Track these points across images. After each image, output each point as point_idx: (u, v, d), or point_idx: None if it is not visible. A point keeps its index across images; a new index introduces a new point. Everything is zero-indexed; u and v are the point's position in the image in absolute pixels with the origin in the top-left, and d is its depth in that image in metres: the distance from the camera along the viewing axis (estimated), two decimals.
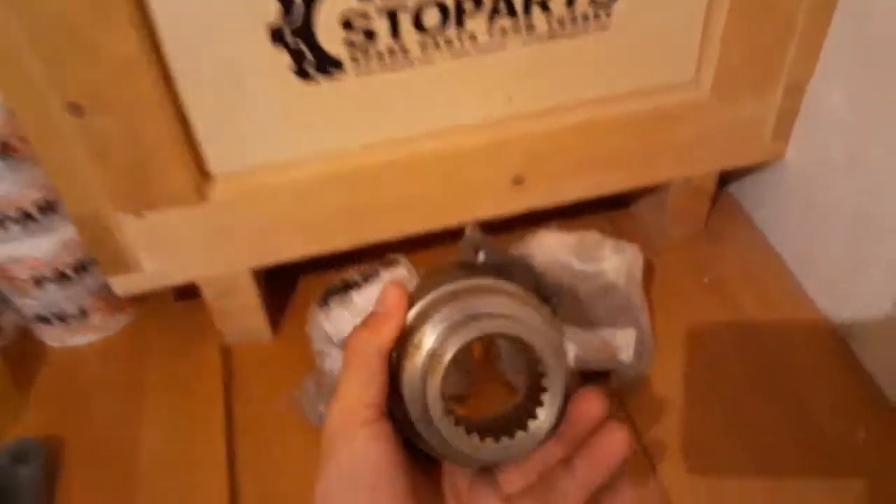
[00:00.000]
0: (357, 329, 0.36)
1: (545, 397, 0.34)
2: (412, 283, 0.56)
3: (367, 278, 0.58)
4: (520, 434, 0.34)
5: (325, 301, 0.57)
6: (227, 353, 0.70)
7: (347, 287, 0.58)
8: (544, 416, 0.34)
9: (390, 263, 0.59)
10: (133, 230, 0.57)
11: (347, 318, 0.56)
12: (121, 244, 0.58)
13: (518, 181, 0.63)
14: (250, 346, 0.70)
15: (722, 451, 0.60)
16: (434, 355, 0.33)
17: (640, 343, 0.60)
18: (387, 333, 0.35)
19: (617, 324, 0.58)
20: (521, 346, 0.34)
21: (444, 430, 0.33)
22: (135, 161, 0.52)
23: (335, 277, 0.59)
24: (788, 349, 0.67)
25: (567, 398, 0.35)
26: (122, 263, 0.59)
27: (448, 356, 0.33)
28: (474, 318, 0.33)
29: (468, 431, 0.34)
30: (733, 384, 0.64)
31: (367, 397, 0.34)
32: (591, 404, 0.35)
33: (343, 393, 0.35)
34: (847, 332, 0.66)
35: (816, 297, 0.70)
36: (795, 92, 0.64)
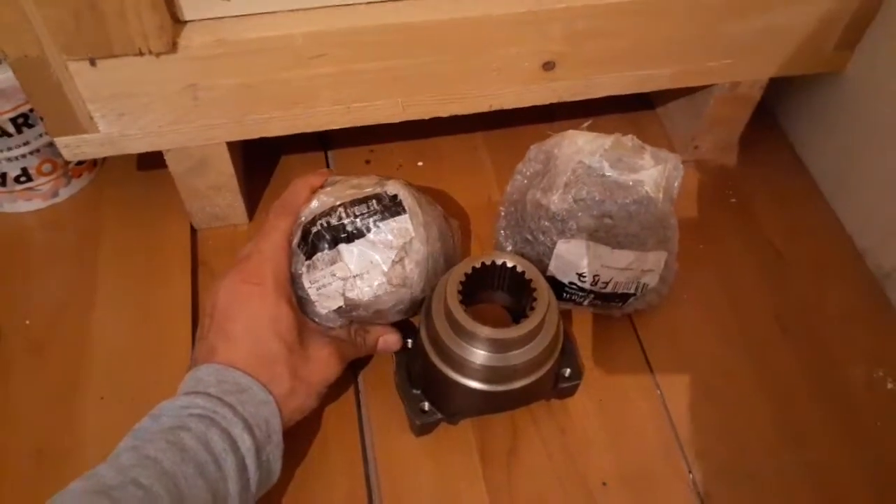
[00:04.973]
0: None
1: (535, 306, 0.46)
2: (418, 241, 0.48)
3: (360, 226, 0.47)
4: (514, 327, 0.45)
5: (306, 246, 0.47)
6: (195, 235, 0.62)
7: (335, 235, 0.47)
8: (534, 317, 0.45)
9: (392, 205, 0.48)
10: (86, 82, 0.47)
11: (337, 288, 0.46)
12: (70, 99, 0.48)
13: (549, 66, 0.54)
14: (222, 231, 0.61)
15: (735, 388, 0.54)
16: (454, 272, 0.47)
17: (666, 266, 0.54)
18: None
19: (648, 244, 0.51)
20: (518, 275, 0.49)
21: (457, 314, 0.45)
22: None
23: (316, 205, 0.49)
24: (817, 287, 0.61)
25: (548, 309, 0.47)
26: (73, 122, 0.49)
27: (465, 269, 0.47)
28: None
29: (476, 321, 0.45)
30: (753, 319, 0.58)
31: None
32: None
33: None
34: (885, 274, 0.60)
35: (854, 232, 0.64)
36: None
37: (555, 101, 0.57)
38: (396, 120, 0.55)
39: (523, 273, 0.48)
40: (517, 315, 0.53)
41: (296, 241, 0.48)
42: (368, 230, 0.47)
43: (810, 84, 0.67)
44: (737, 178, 0.68)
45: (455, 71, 0.53)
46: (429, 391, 0.50)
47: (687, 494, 0.49)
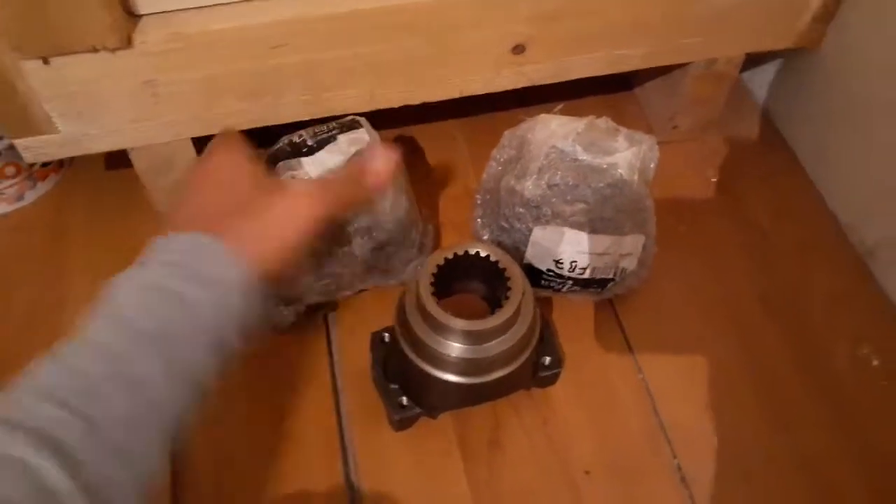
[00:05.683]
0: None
1: (509, 295, 0.45)
2: (375, 149, 0.47)
3: (321, 142, 0.49)
4: (489, 318, 0.44)
5: (270, 166, 0.48)
6: None
7: (297, 151, 0.48)
8: (508, 307, 0.44)
9: (349, 126, 0.50)
10: (41, 81, 0.46)
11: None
12: (26, 98, 0.46)
13: (519, 50, 0.52)
14: None
15: (719, 371, 0.54)
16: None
17: (644, 249, 0.53)
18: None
19: (624, 228, 0.50)
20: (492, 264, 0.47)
21: (430, 307, 0.44)
22: None
23: (283, 139, 0.50)
24: (801, 265, 0.60)
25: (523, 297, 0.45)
26: (30, 123, 0.48)
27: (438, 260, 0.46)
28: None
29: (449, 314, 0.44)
30: (737, 300, 0.58)
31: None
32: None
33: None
34: (867, 251, 0.60)
35: (836, 208, 0.63)
36: None
37: (526, 84, 0.56)
38: (366, 109, 0.54)
39: (497, 262, 0.47)
40: (494, 305, 0.52)
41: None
42: (327, 143, 0.49)
43: (789, 60, 0.66)
44: (717, 157, 0.67)
45: (423, 57, 0.51)
46: (406, 386, 0.49)
47: (672, 480, 0.49)
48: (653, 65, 0.58)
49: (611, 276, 0.52)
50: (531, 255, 0.52)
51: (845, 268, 0.60)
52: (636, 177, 0.48)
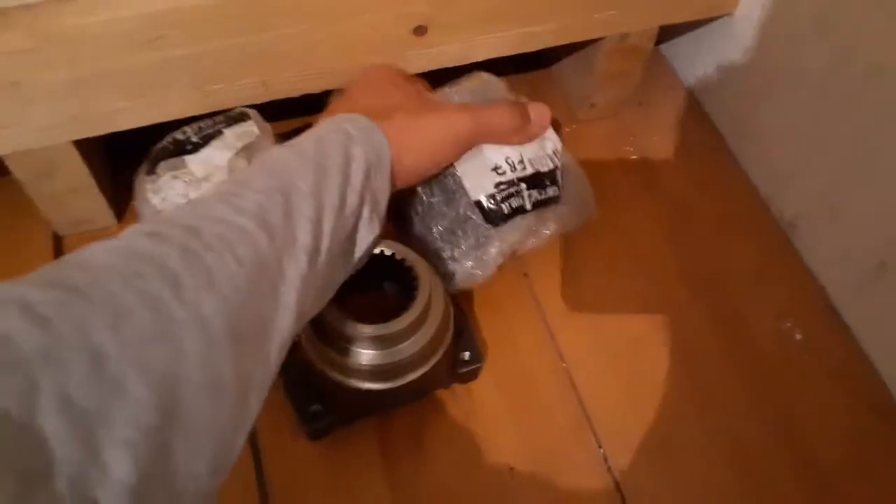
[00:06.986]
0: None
1: (415, 295, 0.43)
2: (266, 143, 0.47)
3: (206, 138, 0.46)
4: (394, 321, 0.42)
5: (152, 167, 0.45)
6: (59, 242, 0.56)
7: (181, 149, 0.45)
8: (415, 307, 0.42)
9: (237, 119, 0.47)
10: None
11: (180, 190, 0.43)
12: None
13: (420, 31, 0.50)
14: (89, 236, 0.56)
15: (643, 354, 0.53)
16: None
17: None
18: None
19: None
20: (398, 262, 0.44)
21: (329, 315, 0.41)
22: None
23: (167, 136, 0.46)
24: (723, 240, 0.59)
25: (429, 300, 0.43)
26: None
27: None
28: None
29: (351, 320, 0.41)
30: (660, 280, 0.57)
31: None
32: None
33: None
34: (788, 223, 0.59)
35: (757, 182, 0.62)
36: None
37: (434, 67, 0.53)
38: (261, 100, 0.50)
39: (402, 259, 0.44)
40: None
41: (144, 168, 0.47)
42: (213, 138, 0.47)
43: (708, 31, 0.64)
44: (637, 133, 0.66)
45: (318, 42, 0.48)
46: (318, 394, 0.46)
47: (599, 471, 0.48)
48: (564, 41, 0.56)
49: (550, 166, 0.50)
50: (472, 189, 0.48)
51: (767, 241, 0.59)
52: None
